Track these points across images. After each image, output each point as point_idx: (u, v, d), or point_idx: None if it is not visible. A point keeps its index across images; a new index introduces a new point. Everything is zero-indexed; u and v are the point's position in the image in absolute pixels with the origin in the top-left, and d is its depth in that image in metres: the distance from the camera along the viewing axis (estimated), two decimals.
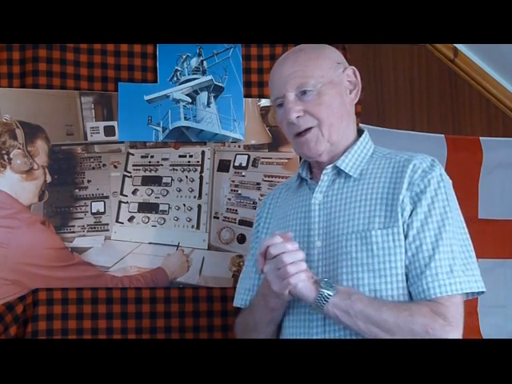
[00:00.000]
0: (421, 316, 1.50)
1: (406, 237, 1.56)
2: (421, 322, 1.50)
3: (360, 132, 1.73)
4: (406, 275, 1.56)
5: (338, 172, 1.65)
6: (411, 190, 1.57)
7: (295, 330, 1.62)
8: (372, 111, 2.61)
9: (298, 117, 1.62)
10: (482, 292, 1.58)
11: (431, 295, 1.52)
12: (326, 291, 1.50)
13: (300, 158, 2.21)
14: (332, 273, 1.58)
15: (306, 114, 1.62)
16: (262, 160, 2.22)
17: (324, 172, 1.65)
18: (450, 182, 1.63)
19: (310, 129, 1.62)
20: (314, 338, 1.57)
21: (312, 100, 1.62)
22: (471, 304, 2.56)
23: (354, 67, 1.70)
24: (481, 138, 2.74)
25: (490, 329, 2.58)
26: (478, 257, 2.70)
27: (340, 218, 1.60)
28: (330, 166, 1.65)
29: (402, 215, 1.56)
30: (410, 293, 1.55)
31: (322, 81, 1.62)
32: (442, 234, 1.55)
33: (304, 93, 1.62)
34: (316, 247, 1.61)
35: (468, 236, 1.61)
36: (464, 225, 1.62)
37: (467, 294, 1.57)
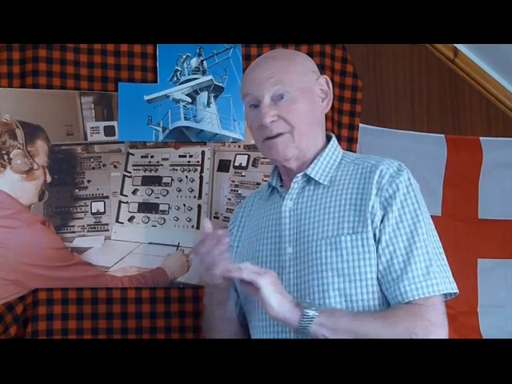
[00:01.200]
0: (402, 321, 1.52)
1: (378, 242, 1.57)
2: (403, 328, 1.51)
3: (328, 138, 1.74)
4: (379, 280, 1.57)
5: (308, 179, 1.67)
6: (380, 196, 1.59)
7: (262, 323, 1.64)
8: (372, 111, 2.61)
9: (272, 121, 1.63)
10: (455, 293, 1.59)
11: (409, 298, 1.54)
12: (311, 312, 1.50)
13: None
14: (303, 278, 1.60)
15: (280, 119, 1.63)
16: (262, 160, 2.22)
17: (294, 180, 1.67)
18: (418, 185, 1.64)
19: (281, 134, 1.63)
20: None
21: (286, 106, 1.63)
22: (471, 304, 2.56)
23: (326, 76, 1.72)
24: (481, 137, 2.74)
25: (490, 329, 2.58)
26: (477, 257, 2.72)
27: (310, 224, 1.62)
28: (300, 174, 1.67)
29: (372, 221, 1.58)
30: (382, 296, 1.57)
31: (298, 86, 1.64)
32: (415, 238, 1.57)
33: (280, 97, 1.63)
34: (287, 253, 1.63)
35: (438, 238, 1.62)
36: (433, 227, 1.63)
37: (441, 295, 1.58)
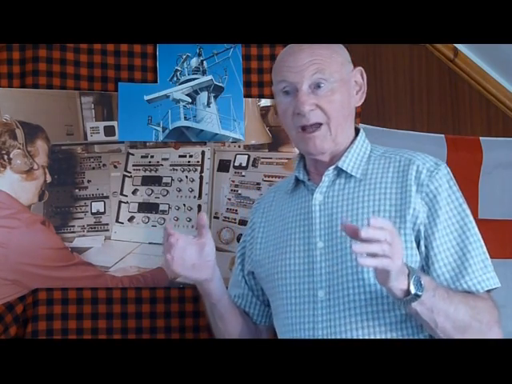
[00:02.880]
0: (486, 313, 1.52)
1: (425, 238, 1.56)
2: (487, 320, 1.51)
3: (356, 130, 1.71)
4: (435, 278, 1.54)
5: (339, 172, 1.64)
6: (421, 192, 1.57)
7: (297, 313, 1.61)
8: (372, 111, 2.61)
9: (310, 110, 1.58)
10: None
11: (474, 293, 1.54)
12: (418, 291, 1.43)
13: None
14: (337, 273, 1.56)
15: (318, 108, 1.59)
16: (262, 160, 2.22)
17: (326, 173, 1.63)
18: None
19: (318, 125, 1.59)
20: (319, 324, 1.56)
21: (325, 95, 1.59)
22: None
23: (361, 68, 1.69)
24: (481, 138, 2.74)
25: None
26: None
27: (343, 218, 1.57)
28: (332, 167, 1.63)
29: (416, 217, 1.56)
30: None
31: (336, 77, 1.60)
32: (467, 233, 1.57)
33: (318, 86, 1.59)
34: (318, 248, 1.60)
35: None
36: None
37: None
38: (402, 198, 1.57)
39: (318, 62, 1.59)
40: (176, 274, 1.61)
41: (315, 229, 1.62)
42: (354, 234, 1.38)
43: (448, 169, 1.63)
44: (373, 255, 1.34)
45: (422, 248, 1.57)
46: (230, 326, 1.73)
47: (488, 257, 1.58)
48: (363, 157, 1.65)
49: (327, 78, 1.59)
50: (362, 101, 1.68)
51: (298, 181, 1.71)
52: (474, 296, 1.54)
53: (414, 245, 1.56)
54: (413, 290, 1.42)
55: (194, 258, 1.59)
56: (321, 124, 1.60)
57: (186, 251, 1.58)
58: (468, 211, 1.61)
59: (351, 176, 1.63)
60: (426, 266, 1.57)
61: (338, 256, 1.57)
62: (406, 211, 1.56)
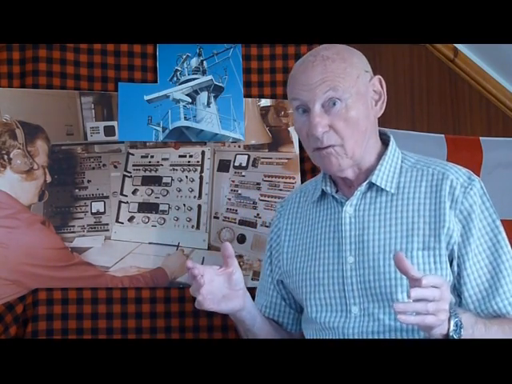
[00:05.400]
0: None
1: (458, 258, 1.54)
2: None
3: (382, 136, 1.65)
4: (466, 298, 1.53)
5: (369, 185, 1.60)
6: (455, 208, 1.54)
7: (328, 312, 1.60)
8: None
9: (323, 132, 1.52)
10: None
11: (504, 314, 1.53)
12: (455, 335, 1.42)
13: (300, 160, 2.21)
14: (368, 291, 1.54)
15: (331, 129, 1.52)
16: (262, 160, 2.22)
17: (359, 189, 1.59)
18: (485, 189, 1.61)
19: (332, 146, 1.54)
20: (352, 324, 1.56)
21: (338, 114, 1.52)
22: None
23: (380, 76, 1.63)
24: (481, 138, 2.74)
25: None
26: None
27: (375, 234, 1.56)
28: (365, 182, 1.58)
29: (450, 236, 1.53)
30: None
31: (351, 91, 1.53)
32: (499, 251, 1.55)
33: (332, 104, 1.52)
34: (348, 263, 1.57)
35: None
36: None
37: None
38: (436, 215, 1.54)
39: (330, 78, 1.52)
40: (208, 309, 1.56)
41: (345, 242, 1.58)
42: (404, 272, 1.33)
43: (481, 183, 1.59)
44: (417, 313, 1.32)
45: (455, 267, 1.55)
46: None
47: None
48: (396, 168, 1.60)
49: (340, 96, 1.52)
50: (383, 111, 1.61)
51: (323, 192, 1.66)
52: (509, 320, 1.52)
53: (448, 265, 1.54)
54: (452, 335, 1.41)
55: (223, 289, 1.54)
56: (335, 145, 1.54)
57: (213, 284, 1.52)
58: (501, 228, 1.57)
59: (383, 189, 1.58)
60: (458, 285, 1.55)
61: (369, 273, 1.54)
62: (440, 230, 1.53)
